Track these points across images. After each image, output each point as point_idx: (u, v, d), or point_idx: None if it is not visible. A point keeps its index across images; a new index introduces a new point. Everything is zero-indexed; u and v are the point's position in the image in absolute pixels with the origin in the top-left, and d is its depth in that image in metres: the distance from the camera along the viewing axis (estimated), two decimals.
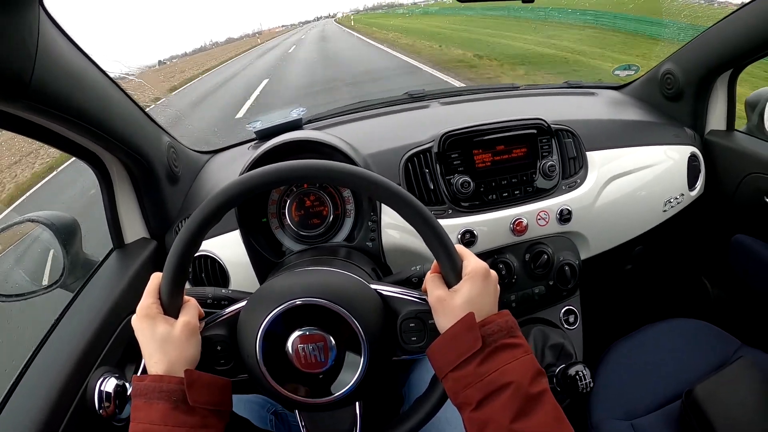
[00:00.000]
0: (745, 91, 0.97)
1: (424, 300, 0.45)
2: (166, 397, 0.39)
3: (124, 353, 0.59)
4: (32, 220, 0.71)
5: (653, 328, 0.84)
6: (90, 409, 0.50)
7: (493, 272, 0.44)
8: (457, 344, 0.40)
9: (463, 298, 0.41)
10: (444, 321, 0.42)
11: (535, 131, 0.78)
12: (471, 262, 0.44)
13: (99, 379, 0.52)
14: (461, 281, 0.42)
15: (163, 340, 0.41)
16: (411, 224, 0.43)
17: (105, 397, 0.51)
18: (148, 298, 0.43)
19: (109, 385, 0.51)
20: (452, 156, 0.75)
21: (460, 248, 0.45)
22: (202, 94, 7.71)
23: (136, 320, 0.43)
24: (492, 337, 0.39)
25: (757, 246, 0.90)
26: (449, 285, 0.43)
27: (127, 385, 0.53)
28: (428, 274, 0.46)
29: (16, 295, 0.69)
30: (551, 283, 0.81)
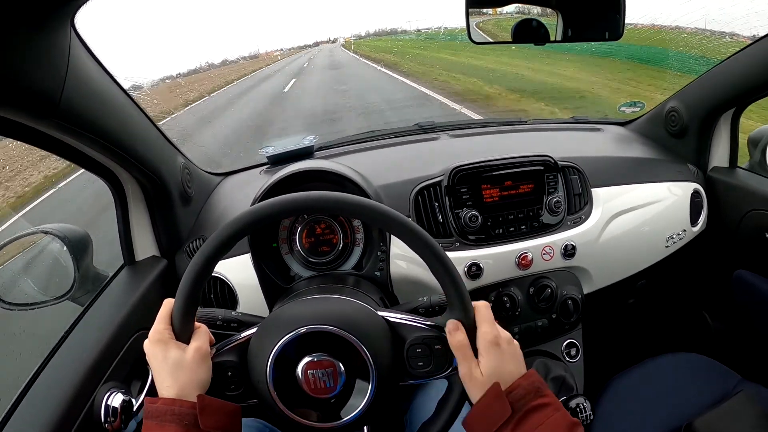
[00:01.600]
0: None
1: (430, 326, 0.47)
2: (177, 420, 0.40)
3: (131, 369, 0.59)
4: (46, 232, 0.72)
5: (654, 362, 0.84)
6: (96, 422, 0.51)
7: (504, 337, 0.45)
8: (488, 414, 0.42)
9: (487, 371, 0.43)
10: (475, 393, 0.44)
11: (542, 168, 0.80)
12: (485, 331, 0.44)
13: (106, 393, 0.52)
14: (481, 355, 0.44)
15: (175, 365, 0.42)
16: (425, 261, 0.44)
17: (111, 411, 0.52)
18: (161, 324, 0.44)
19: (116, 400, 0.53)
20: (461, 190, 0.77)
21: (478, 312, 0.46)
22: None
23: (148, 345, 0.44)
24: (521, 402, 0.41)
25: (758, 282, 0.91)
26: (462, 322, 0.45)
27: (134, 401, 0.54)
28: (451, 343, 0.45)
29: (25, 305, 0.70)
30: (554, 316, 0.82)
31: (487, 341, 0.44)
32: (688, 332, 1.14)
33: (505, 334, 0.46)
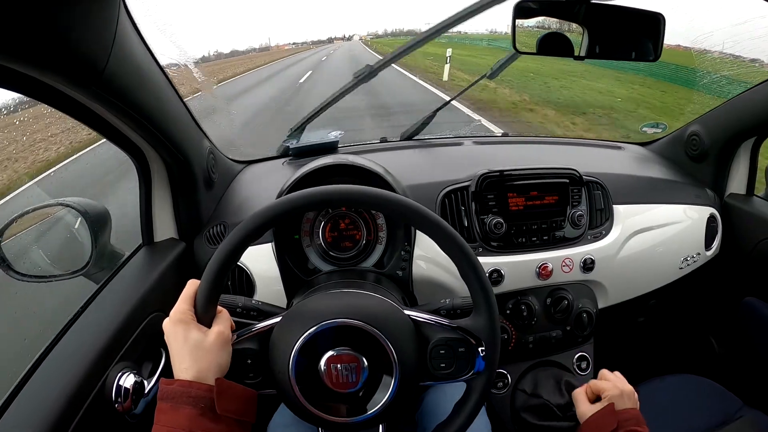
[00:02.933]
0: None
1: (455, 328, 0.47)
2: (193, 402, 0.40)
3: (144, 351, 0.59)
4: (65, 205, 0.71)
5: (659, 381, 0.85)
6: (107, 401, 0.50)
7: (630, 391, 0.61)
8: (600, 424, 0.57)
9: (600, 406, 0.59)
10: (588, 412, 0.60)
11: (567, 180, 0.80)
12: (607, 388, 0.60)
13: (119, 373, 0.52)
14: (603, 399, 0.60)
15: (195, 347, 0.42)
16: (456, 263, 0.45)
17: (123, 392, 0.51)
18: (183, 304, 0.44)
19: (128, 381, 0.52)
20: (488, 196, 0.78)
21: (605, 377, 0.65)
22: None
23: (169, 324, 0.43)
24: (625, 423, 0.55)
25: (765, 309, 0.92)
26: (483, 327, 0.49)
27: (145, 382, 0.54)
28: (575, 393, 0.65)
29: (39, 277, 0.69)
30: (569, 328, 0.83)
31: (610, 395, 0.59)
32: (694, 355, 1.14)
33: (628, 389, 0.61)
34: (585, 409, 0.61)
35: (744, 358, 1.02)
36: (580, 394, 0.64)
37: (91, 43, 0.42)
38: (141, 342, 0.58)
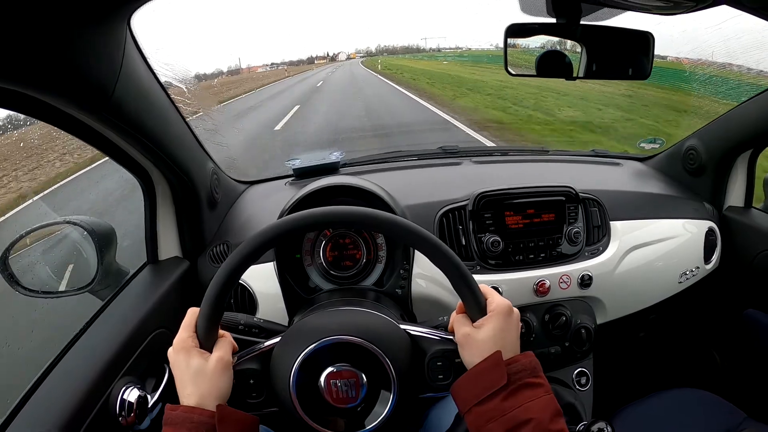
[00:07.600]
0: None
1: (451, 339, 0.47)
2: (195, 428, 0.41)
3: (148, 366, 0.60)
4: (73, 223, 0.73)
5: (661, 396, 0.85)
6: (111, 415, 0.51)
7: (515, 310, 0.47)
8: (483, 379, 0.42)
9: (487, 333, 0.44)
10: (470, 356, 0.44)
11: (563, 198, 0.81)
12: (495, 299, 0.46)
13: (123, 388, 0.53)
14: (486, 317, 0.45)
15: (197, 374, 0.43)
16: (438, 266, 0.45)
17: (127, 406, 0.52)
18: (185, 332, 0.45)
19: (132, 395, 0.53)
20: (485, 215, 0.79)
21: (484, 287, 0.48)
22: None
23: (172, 353, 0.45)
24: (517, 375, 0.42)
25: (767, 320, 0.92)
26: (474, 321, 0.45)
27: (149, 397, 0.55)
28: (453, 314, 0.48)
29: (46, 293, 0.70)
30: (567, 344, 0.83)
31: (500, 305, 0.45)
32: (696, 368, 1.14)
33: (516, 310, 0.47)
34: (465, 333, 0.44)
35: (746, 370, 1.01)
36: (456, 311, 0.48)
37: (99, 70, 0.44)
38: (145, 358, 0.60)
